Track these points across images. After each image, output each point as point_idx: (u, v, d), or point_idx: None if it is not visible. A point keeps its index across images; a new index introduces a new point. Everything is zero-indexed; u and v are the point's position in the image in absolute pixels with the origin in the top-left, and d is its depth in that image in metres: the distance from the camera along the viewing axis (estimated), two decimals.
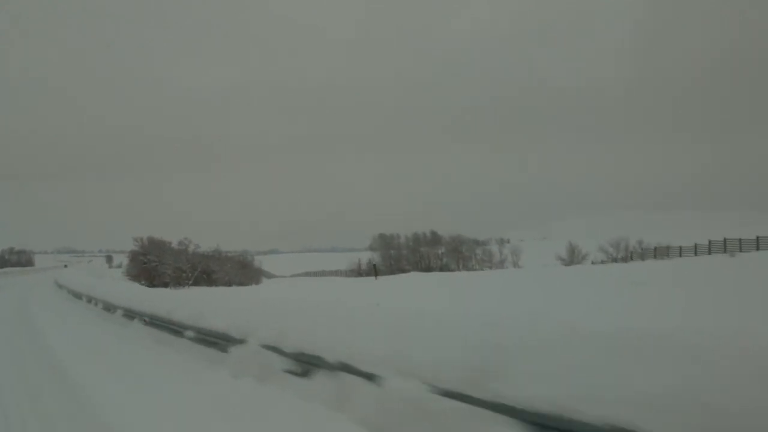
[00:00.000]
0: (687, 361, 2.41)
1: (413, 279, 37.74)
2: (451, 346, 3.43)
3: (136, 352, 8.25)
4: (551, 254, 60.60)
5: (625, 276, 25.48)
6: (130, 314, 10.94)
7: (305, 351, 4.79)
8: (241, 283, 51.05)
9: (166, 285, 43.08)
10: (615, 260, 50.31)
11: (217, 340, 6.64)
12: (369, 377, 3.92)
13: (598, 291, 18.66)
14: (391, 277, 44.86)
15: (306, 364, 4.80)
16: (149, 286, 28.02)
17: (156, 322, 9.22)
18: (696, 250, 44.69)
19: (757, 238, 41.94)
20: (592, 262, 52.93)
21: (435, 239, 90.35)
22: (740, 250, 40.32)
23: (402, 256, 69.66)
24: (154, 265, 47.79)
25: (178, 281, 47.35)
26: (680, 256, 44.49)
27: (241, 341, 5.90)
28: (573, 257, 55.55)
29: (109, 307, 13.13)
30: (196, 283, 47.73)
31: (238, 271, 55.38)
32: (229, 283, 50.26)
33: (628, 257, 50.57)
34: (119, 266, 75.72)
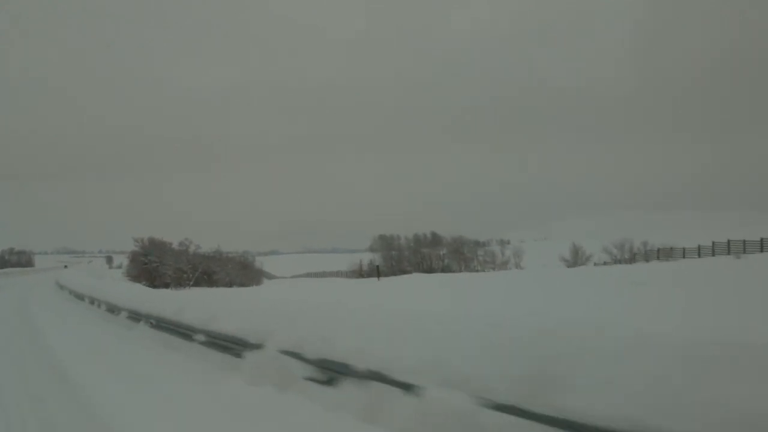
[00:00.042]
0: None
1: (416, 280, 37.41)
2: (501, 355, 3.14)
3: (144, 355, 7.95)
4: (552, 255, 60.26)
5: (632, 278, 25.18)
6: (136, 316, 10.63)
7: (329, 357, 4.49)
8: (242, 284, 50.68)
9: (166, 286, 42.74)
10: (619, 262, 49.99)
11: (230, 345, 6.34)
12: (405, 387, 3.62)
13: (609, 294, 18.35)
14: (394, 278, 44.54)
15: (330, 372, 4.50)
16: (150, 287, 27.71)
17: (163, 325, 8.91)
18: (699, 252, 44.47)
19: (761, 240, 41.71)
20: (595, 264, 52.62)
21: (435, 240, 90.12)
22: (744, 252, 40.10)
23: (403, 257, 69.28)
24: (154, 265, 47.44)
25: (179, 282, 47.00)
26: (683, 257, 44.25)
27: (257, 346, 5.59)
28: (576, 258, 55.18)
29: (112, 309, 12.82)
30: (196, 284, 47.39)
31: (239, 272, 55.02)
32: (230, 284, 49.91)
33: (632, 259, 50.26)
34: (119, 267, 75.26)
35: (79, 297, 18.54)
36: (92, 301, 15.78)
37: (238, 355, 6.05)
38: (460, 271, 59.56)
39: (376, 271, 54.89)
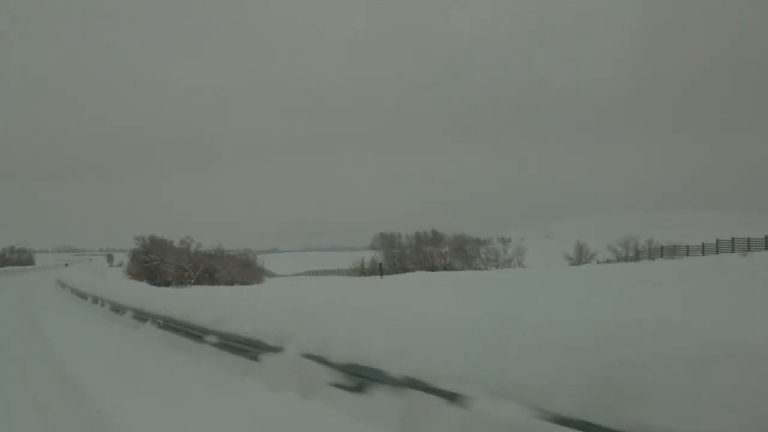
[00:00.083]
0: None
1: (420, 278, 37.06)
2: (563, 360, 2.82)
3: (151, 357, 7.62)
4: (553, 253, 59.86)
5: (642, 276, 24.86)
6: (141, 316, 10.31)
7: (358, 362, 4.17)
8: (243, 283, 50.40)
9: (167, 284, 42.41)
10: (625, 260, 49.68)
11: (245, 347, 6.02)
12: (449, 397, 3.31)
13: (626, 293, 18.04)
14: (397, 276, 44.22)
15: (359, 377, 4.17)
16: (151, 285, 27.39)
17: (171, 325, 8.60)
18: (703, 250, 44.25)
19: (766, 237, 41.46)
20: (598, 262, 52.26)
21: (436, 238, 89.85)
22: (748, 250, 39.86)
23: (405, 255, 68.88)
24: (155, 264, 47.16)
25: (180, 280, 46.73)
26: (687, 255, 44.00)
27: (276, 349, 5.27)
28: (581, 256, 54.82)
29: (117, 308, 12.51)
30: (198, 282, 47.11)
31: (241, 270, 54.73)
32: (231, 282, 49.65)
33: (636, 257, 49.97)
34: (120, 265, 74.97)
35: (82, 296, 18.21)
36: (95, 300, 15.46)
37: (254, 358, 5.73)
38: (463, 269, 59.21)
39: (377, 270, 54.49)
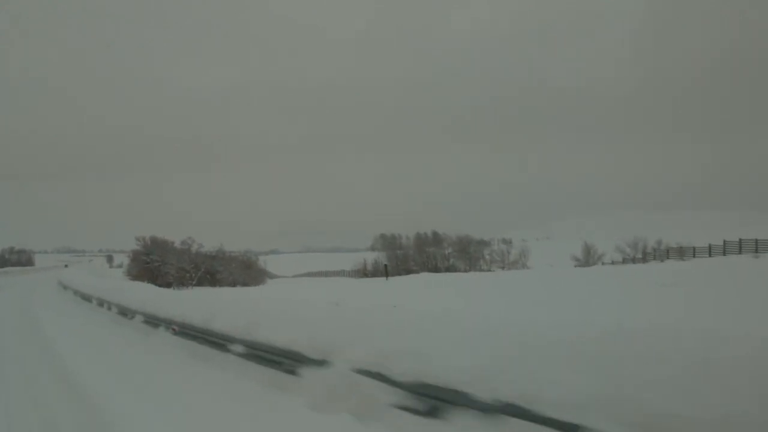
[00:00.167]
0: None
1: (425, 279, 36.48)
2: (726, 384, 2.25)
3: (169, 367, 7.02)
4: (555, 254, 59.33)
5: (655, 277, 24.30)
6: (154, 321, 9.70)
7: (430, 381, 3.57)
8: (245, 284, 49.78)
9: (168, 285, 41.76)
10: (632, 261, 49.11)
11: (279, 359, 5.42)
12: (562, 427, 2.73)
13: (647, 295, 17.48)
14: (400, 277, 43.60)
15: (432, 399, 3.58)
16: None
17: (188, 332, 8.00)
18: (710, 251, 43.67)
19: None
20: (603, 263, 51.69)
21: (437, 239, 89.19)
22: (756, 251, 39.37)
23: (408, 256, 68.28)
24: (156, 264, 46.50)
25: (182, 281, 46.10)
26: (694, 256, 43.47)
27: (320, 362, 4.68)
28: (588, 257, 54.18)
29: (125, 312, 11.90)
30: (199, 284, 46.52)
31: (243, 271, 54.06)
32: (233, 284, 49.03)
33: (644, 258, 49.40)
34: (120, 266, 74.18)
35: (86, 298, 17.59)
36: (101, 303, 14.84)
37: (291, 372, 5.13)
38: (466, 270, 58.62)
39: (380, 271, 53.93)
